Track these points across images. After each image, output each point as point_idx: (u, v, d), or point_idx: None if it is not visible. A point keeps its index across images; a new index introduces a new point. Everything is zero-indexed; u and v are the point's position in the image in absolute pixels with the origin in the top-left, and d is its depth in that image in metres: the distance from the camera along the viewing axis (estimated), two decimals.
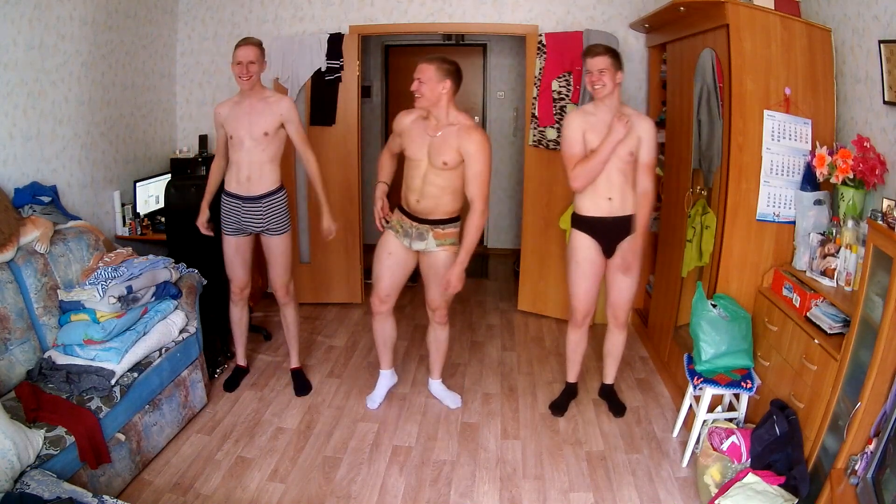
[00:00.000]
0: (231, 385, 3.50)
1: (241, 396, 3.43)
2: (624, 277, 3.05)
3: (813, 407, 2.28)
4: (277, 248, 3.28)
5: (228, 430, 3.11)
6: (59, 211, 3.12)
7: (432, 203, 2.94)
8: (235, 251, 3.26)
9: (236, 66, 2.97)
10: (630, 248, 2.96)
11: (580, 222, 3.03)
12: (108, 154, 3.86)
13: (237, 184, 3.13)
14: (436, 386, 3.45)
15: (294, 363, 3.60)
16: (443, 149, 2.85)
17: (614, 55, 2.83)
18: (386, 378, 3.43)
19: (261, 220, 3.19)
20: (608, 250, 3.03)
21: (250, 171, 3.10)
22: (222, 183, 3.24)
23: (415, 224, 3.00)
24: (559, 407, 3.30)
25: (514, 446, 3.02)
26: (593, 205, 2.97)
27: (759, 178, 2.83)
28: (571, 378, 3.36)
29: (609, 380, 3.36)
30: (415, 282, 3.58)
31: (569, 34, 4.15)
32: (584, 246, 3.03)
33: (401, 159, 3.13)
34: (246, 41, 3.00)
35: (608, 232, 2.99)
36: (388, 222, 3.10)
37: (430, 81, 2.80)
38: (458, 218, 3.04)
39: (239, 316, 3.44)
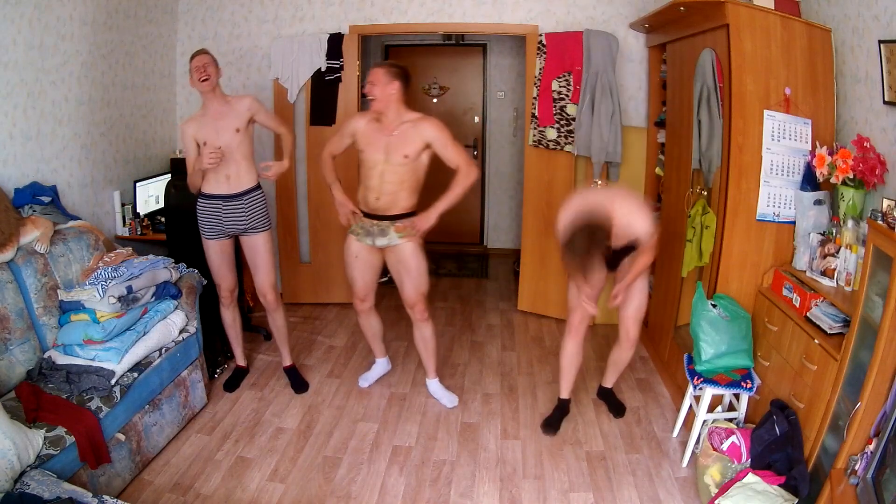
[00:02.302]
0: (231, 385, 3.50)
1: (241, 396, 3.43)
2: (634, 297, 2.96)
3: (813, 407, 2.28)
4: (262, 246, 3.28)
5: (228, 430, 3.11)
6: (59, 211, 3.12)
7: (391, 199, 3.08)
8: (220, 255, 3.27)
9: (195, 70, 3.04)
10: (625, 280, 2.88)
11: None
12: (108, 154, 3.86)
13: (216, 184, 3.15)
14: (433, 385, 3.49)
15: (287, 362, 3.60)
16: (402, 144, 3.02)
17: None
18: (381, 365, 3.66)
19: (243, 218, 3.20)
20: (612, 264, 2.95)
21: (227, 170, 3.14)
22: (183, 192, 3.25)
23: (375, 222, 3.13)
24: (551, 425, 3.15)
25: (514, 446, 3.02)
26: None
27: (759, 178, 2.83)
28: (564, 394, 3.21)
29: (609, 384, 3.35)
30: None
31: (569, 34, 4.15)
32: None
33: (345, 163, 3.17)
34: (200, 50, 3.12)
35: (612, 253, 2.88)
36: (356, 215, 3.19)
37: (379, 84, 2.97)
38: (415, 213, 3.15)
39: (231, 319, 3.46)
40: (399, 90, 2.99)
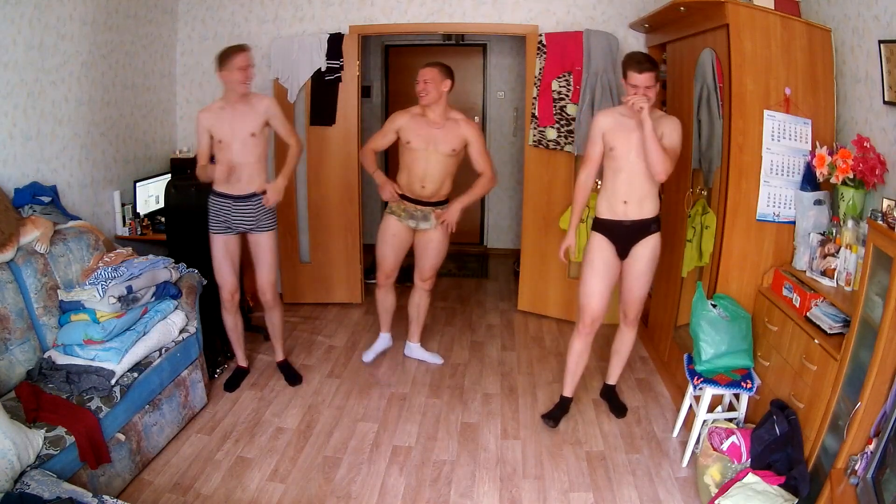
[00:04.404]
0: (232, 385, 3.50)
1: (241, 396, 3.43)
2: (636, 280, 3.02)
3: (813, 407, 2.28)
4: (267, 244, 3.33)
5: (228, 430, 3.11)
6: (59, 211, 3.12)
7: (435, 187, 3.44)
8: (225, 251, 3.29)
9: (239, 71, 3.03)
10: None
11: (597, 224, 3.03)
12: (108, 154, 3.86)
13: (227, 185, 3.18)
14: (417, 349, 3.89)
15: (279, 357, 3.67)
16: (449, 139, 3.36)
17: (658, 67, 2.79)
18: (385, 340, 3.94)
19: (252, 218, 3.24)
20: (623, 252, 3.00)
21: (239, 172, 3.17)
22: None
23: (419, 207, 3.49)
24: (553, 417, 3.20)
25: (514, 446, 3.02)
26: (609, 208, 2.96)
27: (759, 178, 2.83)
28: (568, 392, 3.24)
29: (612, 380, 3.36)
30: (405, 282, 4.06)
31: (569, 34, 4.15)
32: (599, 247, 3.01)
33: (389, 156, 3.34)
34: (243, 47, 3.08)
35: (623, 235, 2.96)
36: (400, 197, 3.48)
37: (434, 81, 3.30)
38: (449, 200, 3.53)
39: (233, 322, 3.47)
40: (449, 88, 3.36)
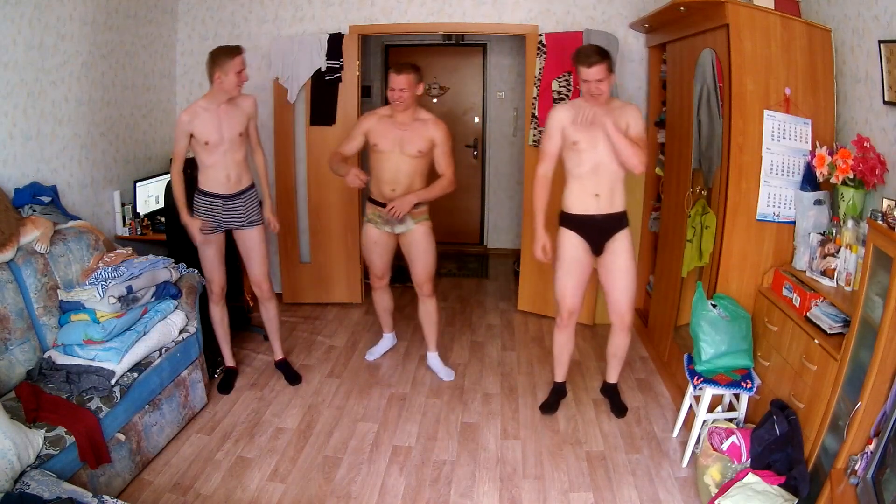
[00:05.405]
0: (225, 387, 3.49)
1: (241, 396, 3.43)
2: (621, 279, 3.04)
3: (813, 407, 2.28)
4: (256, 238, 3.36)
5: (228, 430, 3.11)
6: (59, 211, 3.12)
7: (405, 190, 3.33)
8: (215, 248, 3.30)
9: (238, 74, 3.05)
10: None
11: (567, 220, 3.06)
12: (108, 154, 3.86)
13: (217, 184, 3.19)
14: (433, 358, 3.77)
15: (278, 355, 3.67)
16: (415, 140, 3.28)
17: (608, 58, 2.79)
18: (388, 340, 3.99)
19: (241, 215, 3.27)
20: (596, 249, 3.04)
21: (228, 170, 3.19)
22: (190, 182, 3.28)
23: None
24: (550, 406, 3.31)
25: (514, 446, 3.02)
26: (580, 202, 2.99)
27: (759, 178, 2.83)
28: (559, 378, 3.36)
29: (612, 379, 3.37)
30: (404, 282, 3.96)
31: (569, 34, 4.15)
32: (570, 244, 3.04)
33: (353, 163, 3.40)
34: (240, 49, 3.09)
35: (596, 231, 3.00)
36: (365, 185, 3.39)
37: (410, 89, 3.21)
38: (422, 204, 3.42)
39: (220, 316, 3.46)
40: (422, 90, 3.29)
